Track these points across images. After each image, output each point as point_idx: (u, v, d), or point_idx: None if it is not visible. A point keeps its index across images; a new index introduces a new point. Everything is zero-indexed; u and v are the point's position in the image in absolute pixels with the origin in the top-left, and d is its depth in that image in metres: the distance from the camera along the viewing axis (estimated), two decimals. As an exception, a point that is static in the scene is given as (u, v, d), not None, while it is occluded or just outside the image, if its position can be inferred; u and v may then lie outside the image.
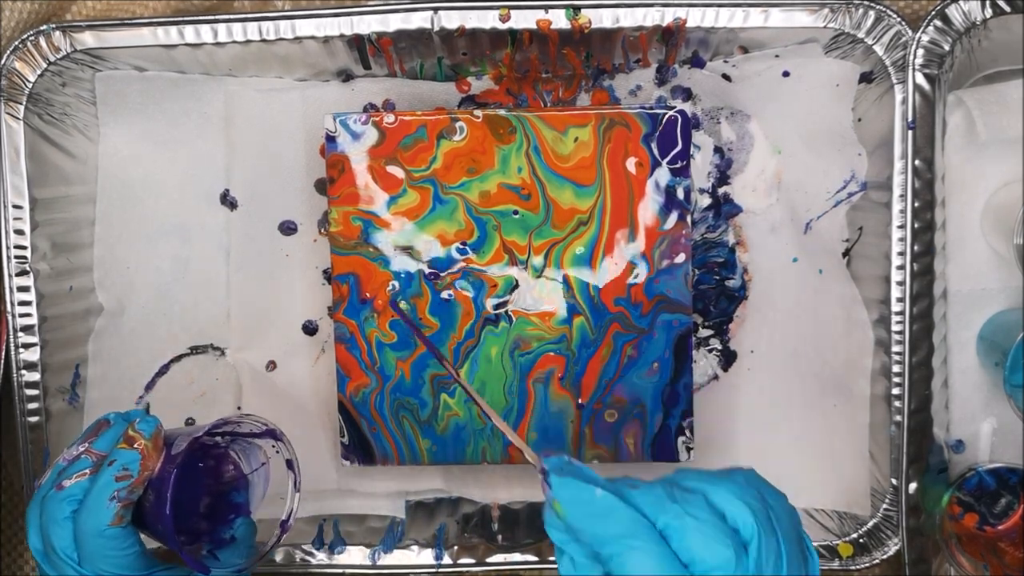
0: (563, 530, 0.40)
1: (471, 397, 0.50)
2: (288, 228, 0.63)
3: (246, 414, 0.52)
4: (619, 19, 0.57)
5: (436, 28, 0.57)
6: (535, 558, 0.61)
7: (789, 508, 0.42)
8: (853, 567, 0.60)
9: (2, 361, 0.61)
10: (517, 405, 0.59)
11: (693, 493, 0.40)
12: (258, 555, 0.52)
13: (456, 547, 0.61)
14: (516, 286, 0.59)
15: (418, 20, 0.57)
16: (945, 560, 0.59)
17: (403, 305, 0.59)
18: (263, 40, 0.58)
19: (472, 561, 0.61)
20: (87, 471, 0.48)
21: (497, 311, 0.59)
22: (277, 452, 0.53)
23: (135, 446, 0.48)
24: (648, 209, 0.58)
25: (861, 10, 0.56)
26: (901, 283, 0.57)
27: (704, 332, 0.62)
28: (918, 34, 0.56)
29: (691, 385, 0.59)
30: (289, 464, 0.53)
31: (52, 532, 0.47)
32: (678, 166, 0.58)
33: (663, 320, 0.59)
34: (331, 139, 0.58)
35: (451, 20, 0.57)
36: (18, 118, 0.59)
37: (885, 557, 0.60)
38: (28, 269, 0.60)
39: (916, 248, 0.57)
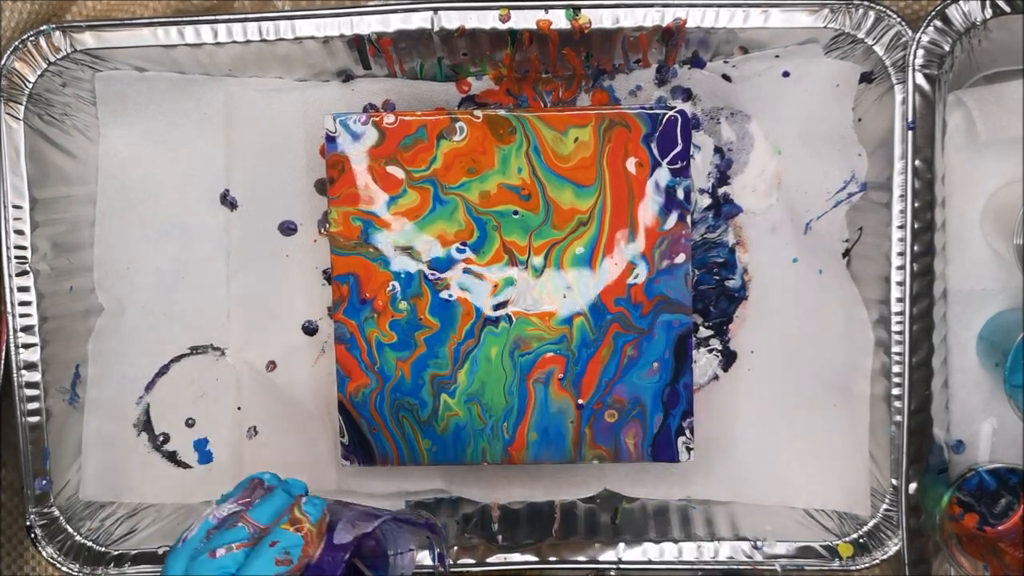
0: None
1: None
2: (288, 228, 0.63)
3: (418, 511, 0.50)
4: (619, 19, 0.57)
5: (436, 28, 0.57)
6: (535, 558, 0.61)
7: None
8: (853, 567, 0.60)
9: (2, 361, 0.61)
10: (517, 405, 0.59)
11: None
12: None
13: (456, 547, 0.61)
14: (516, 286, 0.59)
15: (418, 20, 0.57)
16: (945, 560, 0.59)
17: (403, 306, 0.59)
18: (263, 40, 0.58)
19: (472, 561, 0.61)
20: (243, 543, 0.45)
21: (497, 311, 0.59)
22: (431, 544, 0.51)
23: (298, 528, 0.45)
24: (648, 209, 0.58)
25: (861, 10, 0.56)
26: (901, 283, 0.57)
27: (704, 332, 0.62)
28: (918, 34, 0.56)
29: (691, 385, 0.59)
30: (441, 558, 0.51)
31: None
32: (678, 166, 0.58)
33: (663, 320, 0.59)
34: (331, 139, 0.58)
35: (451, 20, 0.57)
36: (18, 118, 0.59)
37: (885, 557, 0.60)
38: (28, 269, 0.60)
39: (916, 248, 0.57)
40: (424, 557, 0.56)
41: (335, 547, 0.46)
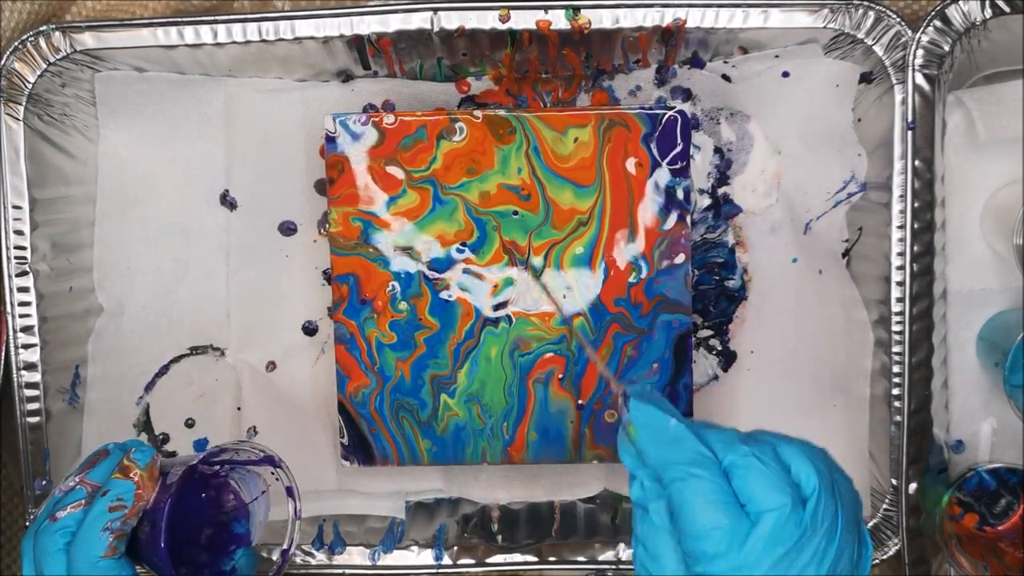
0: (633, 454, 0.42)
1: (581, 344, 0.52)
2: (288, 228, 0.63)
3: (243, 440, 0.51)
4: (619, 20, 0.57)
5: (436, 29, 0.57)
6: (535, 558, 0.61)
7: (854, 491, 0.42)
8: (853, 567, 0.60)
9: (2, 361, 0.61)
10: (517, 405, 0.59)
11: (764, 443, 0.41)
12: None
13: (456, 548, 0.61)
14: (515, 286, 0.59)
15: (418, 21, 0.57)
16: (945, 560, 0.59)
17: (403, 306, 0.59)
18: (263, 41, 0.58)
19: (472, 562, 0.61)
20: (81, 502, 0.47)
21: (497, 312, 0.59)
22: (277, 479, 0.52)
23: (130, 476, 0.47)
24: (648, 210, 0.58)
25: (861, 10, 0.56)
26: (901, 283, 0.57)
27: (704, 332, 0.62)
28: (918, 34, 0.56)
29: (691, 385, 0.59)
30: (289, 491, 0.52)
31: (46, 564, 0.46)
32: (678, 166, 0.58)
33: (663, 320, 0.59)
34: (331, 140, 0.58)
35: (451, 21, 0.57)
36: (18, 119, 0.59)
37: (885, 557, 0.60)
38: (28, 269, 0.60)
39: (916, 248, 0.57)
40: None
41: (169, 487, 0.47)
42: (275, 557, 0.53)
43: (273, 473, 0.52)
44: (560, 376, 0.59)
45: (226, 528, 0.53)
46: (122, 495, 0.46)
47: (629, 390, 0.43)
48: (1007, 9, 0.55)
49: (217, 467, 0.53)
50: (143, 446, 0.49)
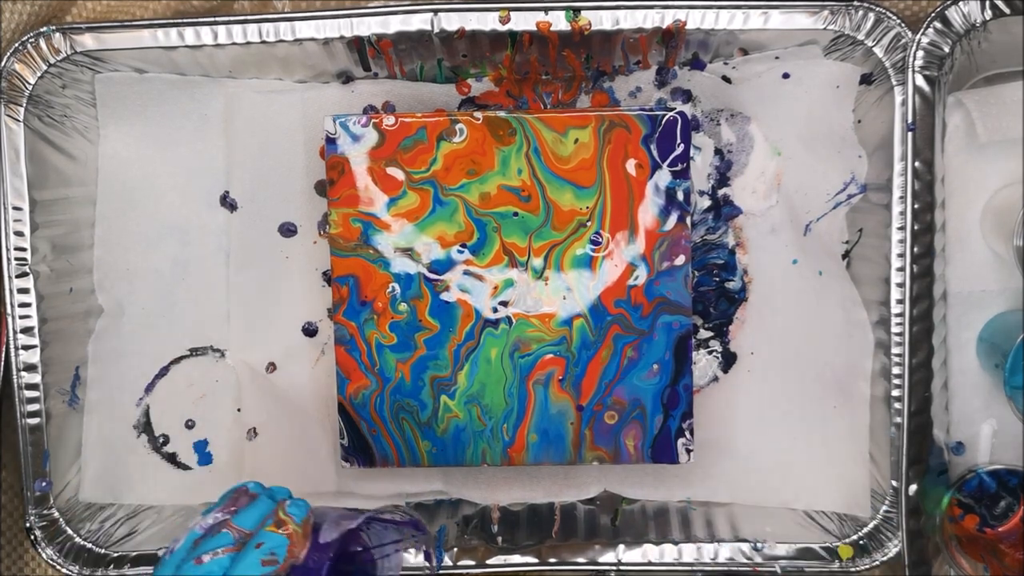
0: None
1: None
2: (288, 230, 0.63)
3: (396, 506, 0.52)
4: (619, 21, 0.57)
5: (436, 30, 0.57)
6: (535, 560, 0.61)
7: None
8: (853, 569, 0.60)
9: (2, 363, 0.61)
10: (517, 407, 0.59)
11: None
12: None
13: (456, 549, 0.61)
14: (516, 287, 0.59)
15: (418, 22, 0.57)
16: (945, 562, 0.59)
17: (403, 307, 0.59)
18: (263, 42, 0.58)
19: (472, 563, 0.61)
20: (230, 547, 0.45)
21: (497, 313, 0.59)
22: (416, 541, 0.51)
23: (283, 530, 0.46)
24: (648, 211, 0.58)
25: (861, 12, 0.56)
26: (901, 285, 0.57)
27: (704, 334, 0.62)
28: (918, 36, 0.56)
29: (691, 387, 0.59)
30: (427, 556, 0.52)
31: None
32: (678, 168, 0.58)
33: (663, 322, 0.59)
34: (331, 141, 0.58)
35: (451, 22, 0.57)
36: (18, 120, 0.59)
37: (885, 559, 0.60)
38: (28, 271, 0.60)
39: (916, 250, 0.57)
40: (411, 556, 0.56)
41: (321, 546, 0.47)
42: None
43: (414, 536, 0.52)
44: (560, 377, 0.59)
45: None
46: (275, 549, 0.45)
47: None
48: (1007, 11, 0.55)
49: (363, 531, 0.52)
50: (297, 500, 0.48)
